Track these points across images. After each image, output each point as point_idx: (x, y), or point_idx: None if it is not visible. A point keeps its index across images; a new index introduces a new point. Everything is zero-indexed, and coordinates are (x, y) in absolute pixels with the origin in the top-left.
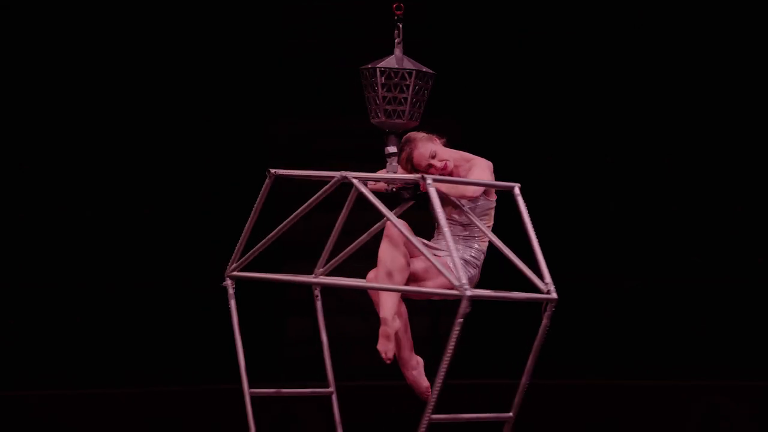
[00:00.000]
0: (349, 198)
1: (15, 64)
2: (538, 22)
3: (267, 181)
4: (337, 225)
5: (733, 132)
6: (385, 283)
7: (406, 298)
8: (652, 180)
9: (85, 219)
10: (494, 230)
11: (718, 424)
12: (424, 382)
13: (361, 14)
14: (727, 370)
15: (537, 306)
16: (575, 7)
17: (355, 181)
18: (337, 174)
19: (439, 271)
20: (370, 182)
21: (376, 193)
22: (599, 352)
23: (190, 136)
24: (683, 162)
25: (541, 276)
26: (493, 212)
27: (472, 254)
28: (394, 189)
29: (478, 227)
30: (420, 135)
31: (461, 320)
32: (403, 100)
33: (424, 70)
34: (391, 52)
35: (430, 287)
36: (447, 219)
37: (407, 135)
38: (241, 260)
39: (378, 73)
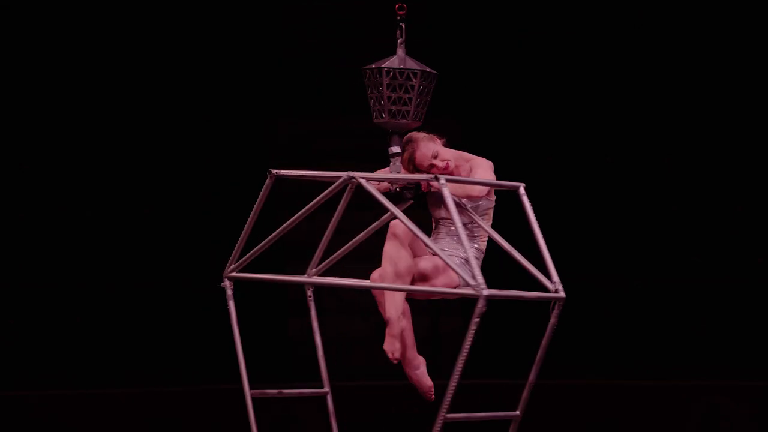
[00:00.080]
0: (343, 198)
1: (15, 64)
2: (538, 22)
3: (267, 181)
4: (330, 225)
5: (733, 132)
6: (392, 283)
7: (409, 297)
8: (652, 180)
9: (85, 219)
10: (495, 230)
11: (718, 424)
12: (428, 382)
13: (361, 14)
14: (727, 370)
15: (534, 306)
16: (575, 7)
17: (362, 181)
18: (343, 174)
19: (455, 271)
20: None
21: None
22: (599, 352)
23: (190, 136)
24: (683, 162)
25: (548, 275)
26: (492, 212)
27: (473, 254)
28: (398, 189)
29: (477, 227)
30: (421, 135)
31: (478, 319)
32: (407, 100)
33: (428, 70)
34: (392, 52)
35: (435, 286)
36: (446, 219)
37: (408, 135)
38: (240, 261)
39: (383, 73)
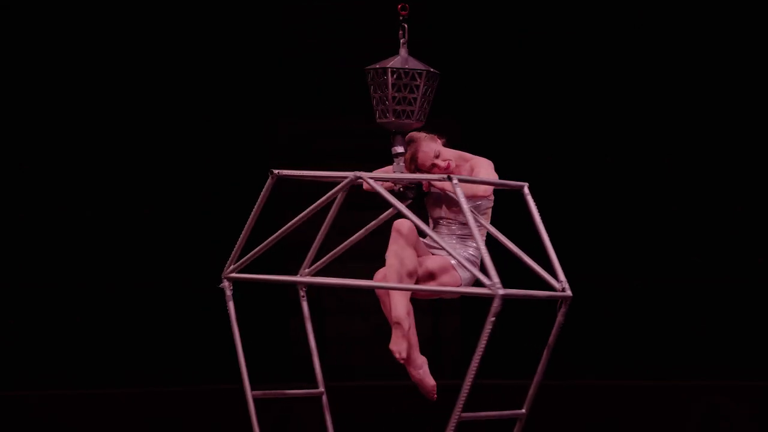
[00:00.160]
0: (337, 199)
1: (15, 64)
2: (538, 22)
3: (269, 181)
4: (324, 225)
5: (733, 132)
6: (398, 282)
7: (412, 297)
8: (652, 180)
9: (85, 219)
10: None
11: (718, 424)
12: (430, 381)
13: (361, 14)
14: (727, 370)
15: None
16: (575, 8)
17: (370, 181)
18: (350, 174)
19: (471, 271)
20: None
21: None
22: (599, 352)
23: (191, 137)
24: (683, 162)
25: (553, 274)
26: (490, 211)
27: (471, 253)
28: (401, 188)
29: (478, 226)
30: (423, 135)
31: (493, 319)
32: (412, 100)
33: (431, 70)
34: (392, 52)
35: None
36: (445, 218)
37: (410, 135)
38: (240, 261)
39: (389, 73)
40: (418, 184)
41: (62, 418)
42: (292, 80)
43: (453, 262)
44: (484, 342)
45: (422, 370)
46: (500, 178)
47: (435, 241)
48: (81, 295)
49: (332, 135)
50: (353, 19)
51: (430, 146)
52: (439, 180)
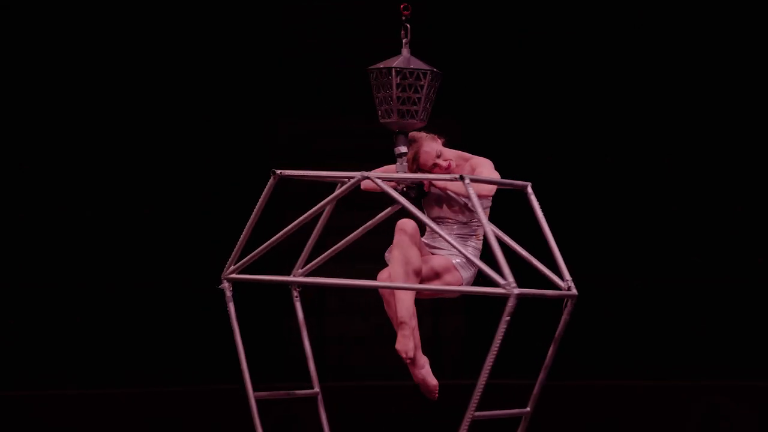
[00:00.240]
0: (332, 199)
1: (15, 64)
2: (538, 22)
3: (270, 181)
4: (318, 226)
5: (733, 132)
6: (403, 282)
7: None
8: (652, 180)
9: (85, 219)
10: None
11: (718, 424)
12: (433, 381)
13: (361, 14)
14: (727, 370)
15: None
16: (575, 8)
17: (378, 180)
18: (357, 174)
19: (485, 272)
20: (367, 182)
21: (374, 192)
22: (599, 352)
23: (191, 137)
24: (683, 162)
25: (558, 273)
26: (488, 210)
27: (470, 252)
28: (404, 188)
29: (477, 225)
30: (424, 135)
31: (508, 318)
32: (416, 100)
33: (435, 70)
34: (392, 52)
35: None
36: (444, 218)
37: (411, 135)
38: (241, 262)
39: (394, 73)
40: (420, 183)
41: (62, 418)
42: (292, 80)
43: (455, 261)
44: (499, 341)
45: (424, 370)
46: (501, 177)
47: (437, 240)
48: (81, 295)
49: (332, 135)
50: (353, 19)
51: (432, 146)
52: (450, 180)
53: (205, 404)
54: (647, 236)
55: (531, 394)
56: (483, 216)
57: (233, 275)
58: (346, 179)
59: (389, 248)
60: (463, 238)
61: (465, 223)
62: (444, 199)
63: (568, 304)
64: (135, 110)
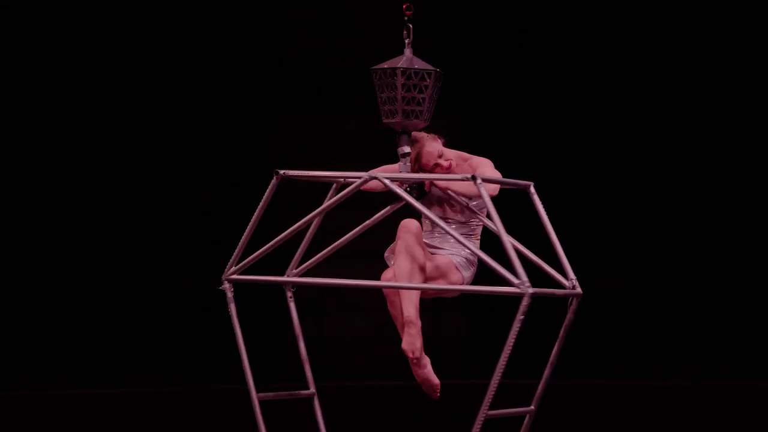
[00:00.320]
0: (326, 198)
1: (15, 64)
2: (538, 22)
3: (273, 182)
4: (312, 226)
5: (733, 132)
6: (407, 282)
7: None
8: (652, 180)
9: (85, 219)
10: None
11: (718, 424)
12: (435, 380)
13: (361, 14)
14: (727, 370)
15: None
16: (575, 8)
17: (386, 181)
18: (364, 174)
19: (498, 271)
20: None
21: (372, 192)
22: (599, 352)
23: (191, 137)
24: (683, 162)
25: (563, 272)
26: (485, 211)
27: (471, 252)
28: (407, 188)
29: (474, 225)
30: (425, 135)
31: (522, 317)
32: (421, 100)
33: (438, 70)
34: (391, 52)
35: (443, 283)
36: (444, 218)
37: (413, 135)
38: (241, 263)
39: (399, 74)
40: (421, 183)
41: (62, 418)
42: (292, 80)
43: (455, 261)
44: (513, 340)
45: (426, 369)
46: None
47: (435, 240)
48: (81, 295)
49: (332, 135)
50: (353, 19)
51: (434, 146)
52: (461, 180)
53: (205, 404)
54: (647, 236)
55: (535, 393)
56: (495, 214)
57: (234, 276)
58: (352, 180)
59: (389, 248)
60: (463, 237)
61: (464, 223)
62: (444, 199)
63: (573, 302)
64: (135, 110)
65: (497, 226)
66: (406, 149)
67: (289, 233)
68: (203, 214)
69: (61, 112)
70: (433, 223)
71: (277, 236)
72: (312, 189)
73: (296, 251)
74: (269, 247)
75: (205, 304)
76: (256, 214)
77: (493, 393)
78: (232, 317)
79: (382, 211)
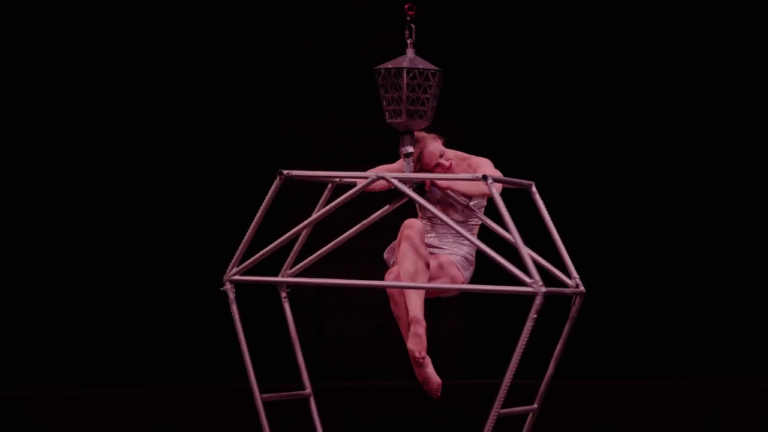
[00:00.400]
0: (322, 199)
1: (15, 64)
2: (538, 22)
3: (276, 182)
4: (309, 226)
5: (732, 132)
6: (411, 281)
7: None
8: (652, 180)
9: (85, 219)
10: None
11: (718, 424)
12: (436, 379)
13: (361, 14)
14: (727, 370)
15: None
16: (575, 8)
17: (394, 181)
18: (371, 174)
19: (512, 272)
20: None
21: (370, 192)
22: (599, 352)
23: (191, 137)
24: (683, 162)
25: (565, 271)
26: (483, 210)
27: (467, 251)
28: (410, 187)
29: (471, 225)
30: (426, 135)
31: (535, 316)
32: (425, 100)
33: (440, 70)
34: (391, 52)
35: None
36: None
37: (414, 135)
38: (243, 264)
39: (404, 74)
40: (421, 183)
41: (62, 418)
42: (292, 80)
43: (455, 260)
44: (525, 339)
45: (428, 369)
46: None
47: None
48: (81, 295)
49: (332, 135)
50: (353, 19)
51: (435, 146)
52: (472, 180)
53: (205, 404)
54: (647, 236)
55: (537, 392)
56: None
57: (236, 277)
58: (354, 180)
59: (388, 248)
60: (459, 238)
61: (462, 222)
62: (443, 198)
63: (577, 301)
64: (135, 110)
65: (509, 227)
66: (410, 149)
67: (292, 234)
68: (203, 214)
69: (61, 112)
70: (433, 223)
71: (277, 237)
72: (312, 189)
73: (302, 251)
74: (271, 249)
75: (205, 304)
76: (258, 214)
77: (505, 392)
78: (234, 319)
79: (381, 210)
